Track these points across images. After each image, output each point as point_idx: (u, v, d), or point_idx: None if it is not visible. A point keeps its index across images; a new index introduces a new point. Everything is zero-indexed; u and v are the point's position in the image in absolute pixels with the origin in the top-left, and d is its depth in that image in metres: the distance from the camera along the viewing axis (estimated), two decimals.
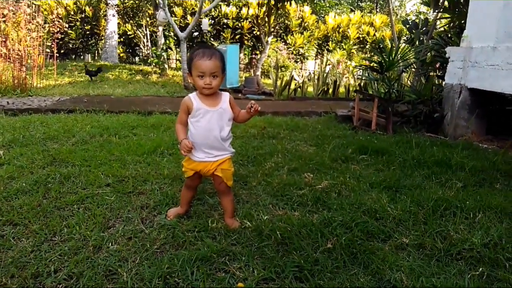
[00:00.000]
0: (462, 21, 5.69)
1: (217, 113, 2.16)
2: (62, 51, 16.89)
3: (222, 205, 2.33)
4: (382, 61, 5.66)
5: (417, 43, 7.04)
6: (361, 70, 9.29)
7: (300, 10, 17.92)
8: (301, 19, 18.00)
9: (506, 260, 1.91)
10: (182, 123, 2.20)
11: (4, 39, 8.05)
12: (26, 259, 1.86)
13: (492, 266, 1.88)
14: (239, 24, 16.84)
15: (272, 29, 11.78)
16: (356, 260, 1.90)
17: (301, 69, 16.82)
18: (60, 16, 15.60)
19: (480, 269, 1.84)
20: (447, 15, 6.72)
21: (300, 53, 17.64)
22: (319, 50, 18.69)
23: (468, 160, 3.54)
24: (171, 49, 16.35)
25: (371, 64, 6.10)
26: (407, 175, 3.19)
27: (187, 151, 2.11)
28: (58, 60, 13.99)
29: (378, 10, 28.27)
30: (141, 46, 17.66)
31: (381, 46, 7.26)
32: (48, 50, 11.27)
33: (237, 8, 17.01)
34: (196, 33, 16.50)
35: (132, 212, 2.40)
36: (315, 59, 18.30)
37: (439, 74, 6.35)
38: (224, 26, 16.88)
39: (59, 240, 2.05)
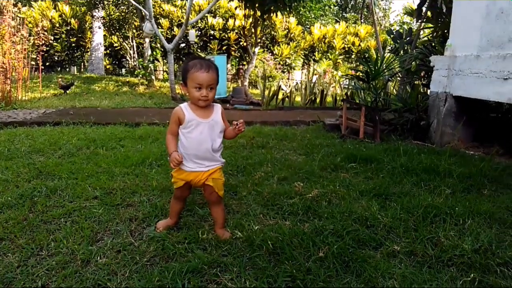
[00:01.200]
0: (445, 31, 5.80)
1: (209, 125, 2.15)
2: (47, 64, 16.76)
3: (213, 215, 2.30)
4: (368, 70, 5.74)
5: (401, 52, 7.15)
6: (347, 80, 9.39)
7: (286, 21, 18.12)
8: (287, 30, 18.19)
9: (496, 265, 1.92)
10: (173, 134, 2.18)
11: None
12: (12, 275, 1.81)
13: (483, 271, 1.89)
14: (226, 35, 16.93)
15: (259, 40, 11.85)
16: (349, 268, 1.90)
17: (288, 79, 16.94)
18: (45, 29, 15.44)
19: (472, 275, 1.84)
20: (430, 25, 6.85)
21: (287, 63, 17.79)
22: (305, 60, 18.88)
23: (455, 167, 3.58)
24: (158, 60, 16.33)
25: (357, 74, 6.18)
26: (396, 183, 3.21)
27: (176, 165, 2.09)
28: (43, 73, 13.86)
29: (362, 20, 28.70)
30: (128, 58, 17.61)
31: (366, 56, 7.36)
32: (33, 63, 11.18)
33: (223, 20, 17.12)
34: (183, 45, 16.53)
35: (120, 225, 2.36)
36: (301, 69, 18.46)
37: (424, 82, 6.45)
38: (211, 37, 16.96)
39: (46, 254, 2.00)
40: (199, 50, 16.84)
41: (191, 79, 2.08)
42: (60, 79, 10.73)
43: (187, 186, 2.25)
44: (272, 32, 17.47)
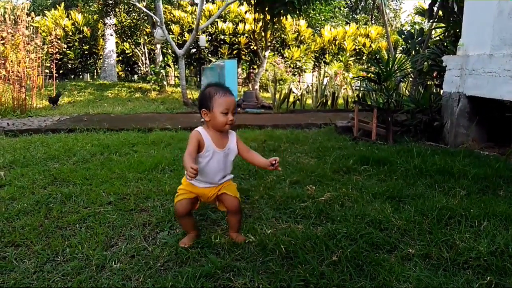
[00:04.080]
0: (457, 30, 5.74)
1: (224, 154, 2.20)
2: (61, 71, 17.01)
3: (230, 221, 2.28)
4: (380, 71, 5.69)
5: (413, 52, 7.10)
6: (359, 81, 9.34)
7: (296, 24, 18.12)
8: (297, 33, 18.19)
9: None
10: (191, 155, 2.08)
11: (3, 61, 8.10)
12: (29, 280, 1.84)
13: (500, 274, 1.86)
14: (236, 40, 17.00)
15: (269, 44, 11.88)
16: (362, 272, 1.88)
17: (299, 82, 16.93)
18: (58, 37, 15.70)
19: (488, 277, 1.81)
20: (442, 25, 6.78)
21: (297, 66, 17.78)
22: (316, 63, 18.84)
23: (470, 168, 3.53)
24: (169, 66, 16.48)
25: (369, 75, 6.14)
26: (410, 185, 3.17)
27: (194, 175, 1.94)
28: (57, 81, 14.07)
29: (373, 22, 28.56)
30: (140, 64, 17.80)
31: (377, 57, 7.32)
32: (47, 71, 11.36)
33: (233, 24, 17.19)
34: (194, 50, 16.65)
35: (134, 230, 2.39)
36: (312, 72, 18.43)
37: (436, 82, 6.39)
38: (222, 41, 17.05)
39: (62, 260, 2.03)
40: (209, 55, 16.93)
41: (218, 104, 2.10)
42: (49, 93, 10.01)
43: (194, 200, 2.23)
44: (282, 35, 17.49)
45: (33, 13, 10.80)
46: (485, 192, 3.01)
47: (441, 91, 5.56)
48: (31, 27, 9.34)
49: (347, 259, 1.95)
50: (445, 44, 6.23)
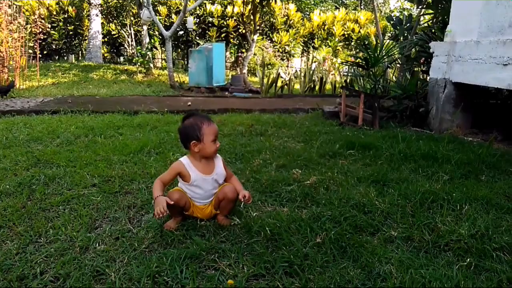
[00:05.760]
0: (446, 17, 5.75)
1: (212, 180, 2.22)
2: (45, 52, 16.62)
3: (222, 206, 2.22)
4: (368, 57, 5.70)
5: (401, 39, 7.11)
6: (347, 67, 9.35)
7: (285, 8, 17.94)
8: (286, 17, 18.01)
9: (493, 250, 1.93)
10: (163, 182, 2.16)
11: None
12: (11, 262, 1.82)
13: (480, 256, 1.90)
14: (225, 23, 16.77)
15: (258, 27, 11.77)
16: (346, 254, 1.91)
17: (287, 66, 16.83)
18: (42, 17, 15.32)
19: (468, 259, 1.85)
20: (430, 11, 6.79)
21: (286, 50, 17.67)
22: (304, 48, 18.73)
23: (453, 153, 3.58)
24: (156, 48, 16.22)
25: (357, 61, 6.14)
26: (394, 169, 3.21)
27: (161, 217, 1.97)
28: (41, 61, 13.78)
29: (362, 7, 28.43)
30: (126, 46, 17.46)
31: (366, 43, 7.31)
32: (30, 51, 11.09)
33: (222, 6, 16.94)
34: (181, 32, 16.40)
35: (119, 212, 2.37)
36: (301, 57, 18.33)
37: (423, 69, 6.42)
38: (210, 24, 16.80)
39: (45, 241, 2.01)
40: (197, 38, 16.70)
41: (207, 134, 2.15)
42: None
43: (188, 203, 2.20)
44: (271, 19, 17.30)
45: None
46: (468, 177, 3.06)
47: (428, 77, 5.60)
48: (14, 6, 9.08)
49: (331, 241, 1.98)
50: (433, 30, 6.24)
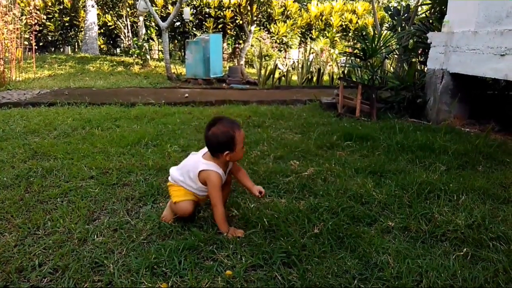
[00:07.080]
0: (443, 7, 5.72)
1: (227, 174, 2.17)
2: (41, 44, 16.48)
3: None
4: (365, 48, 5.68)
5: (399, 29, 7.07)
6: (344, 58, 9.32)
7: None
8: (283, 8, 17.89)
9: (489, 240, 1.95)
10: (224, 211, 2.07)
11: None
12: (9, 254, 1.82)
13: (476, 246, 1.91)
14: (222, 13, 16.65)
15: (255, 18, 11.70)
16: (343, 244, 1.92)
17: (284, 58, 16.79)
18: (37, 8, 15.15)
19: (465, 249, 1.87)
20: (428, 1, 6.75)
21: (283, 42, 17.58)
22: (302, 39, 18.64)
23: (451, 144, 3.59)
24: (152, 39, 16.13)
25: (355, 51, 6.12)
26: (392, 160, 3.22)
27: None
28: (37, 53, 13.69)
29: None
30: (122, 37, 17.33)
31: (364, 34, 7.28)
32: (26, 43, 11.00)
33: None
34: (178, 23, 16.28)
35: (117, 204, 2.37)
36: (298, 48, 18.26)
37: (421, 59, 6.40)
38: (206, 15, 16.68)
39: (43, 233, 2.01)
40: (194, 29, 16.60)
41: (239, 142, 2.06)
42: None
43: (196, 203, 2.17)
44: (269, 10, 17.18)
45: None
46: (465, 168, 3.08)
47: (425, 68, 5.59)
48: None
49: (328, 232, 1.99)
50: (430, 21, 6.22)
